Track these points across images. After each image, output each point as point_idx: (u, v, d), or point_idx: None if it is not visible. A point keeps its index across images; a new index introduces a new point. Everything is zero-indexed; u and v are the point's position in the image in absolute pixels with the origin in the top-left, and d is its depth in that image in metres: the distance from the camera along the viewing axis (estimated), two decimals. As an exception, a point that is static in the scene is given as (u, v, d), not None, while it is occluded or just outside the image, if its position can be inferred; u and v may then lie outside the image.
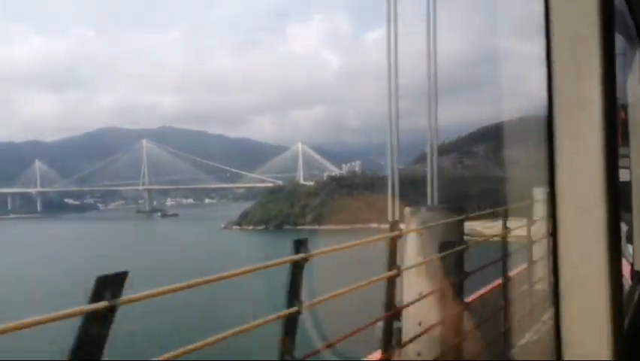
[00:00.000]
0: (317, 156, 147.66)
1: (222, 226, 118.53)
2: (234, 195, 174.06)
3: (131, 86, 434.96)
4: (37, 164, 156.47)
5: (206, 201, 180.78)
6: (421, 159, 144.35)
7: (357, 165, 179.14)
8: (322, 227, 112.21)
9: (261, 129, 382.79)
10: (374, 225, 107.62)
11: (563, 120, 1.35)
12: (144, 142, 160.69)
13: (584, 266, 1.35)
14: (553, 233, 1.41)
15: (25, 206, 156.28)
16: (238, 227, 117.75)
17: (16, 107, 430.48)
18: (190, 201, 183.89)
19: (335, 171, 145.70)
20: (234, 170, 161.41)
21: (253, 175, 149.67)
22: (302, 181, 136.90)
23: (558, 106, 1.36)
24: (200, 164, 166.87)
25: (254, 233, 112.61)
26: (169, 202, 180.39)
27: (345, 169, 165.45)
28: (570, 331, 1.35)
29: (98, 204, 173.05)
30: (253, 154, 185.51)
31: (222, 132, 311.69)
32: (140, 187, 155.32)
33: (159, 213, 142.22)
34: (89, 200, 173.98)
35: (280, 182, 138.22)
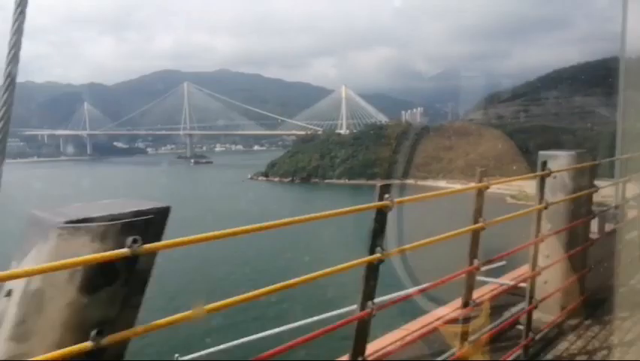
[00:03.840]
0: (362, 102, 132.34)
1: (249, 176, 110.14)
2: (284, 142, 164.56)
3: (188, 29, 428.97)
4: (86, 106, 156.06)
5: (255, 148, 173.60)
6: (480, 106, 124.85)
7: (417, 113, 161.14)
8: (352, 182, 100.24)
9: (321, 73, 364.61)
10: (410, 180, 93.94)
11: None
12: (185, 85, 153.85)
13: None
14: None
15: (77, 149, 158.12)
16: (264, 178, 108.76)
17: (75, 49, 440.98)
18: (239, 147, 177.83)
19: (384, 118, 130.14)
20: (277, 117, 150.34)
21: (293, 122, 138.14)
22: (341, 130, 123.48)
23: None
24: (248, 110, 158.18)
25: (278, 185, 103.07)
26: (218, 148, 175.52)
27: (405, 117, 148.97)
28: None
29: (148, 149, 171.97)
30: (309, 99, 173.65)
31: (280, 76, 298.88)
32: (182, 132, 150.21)
33: (192, 160, 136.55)
34: (139, 144, 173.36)
35: (319, 130, 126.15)
